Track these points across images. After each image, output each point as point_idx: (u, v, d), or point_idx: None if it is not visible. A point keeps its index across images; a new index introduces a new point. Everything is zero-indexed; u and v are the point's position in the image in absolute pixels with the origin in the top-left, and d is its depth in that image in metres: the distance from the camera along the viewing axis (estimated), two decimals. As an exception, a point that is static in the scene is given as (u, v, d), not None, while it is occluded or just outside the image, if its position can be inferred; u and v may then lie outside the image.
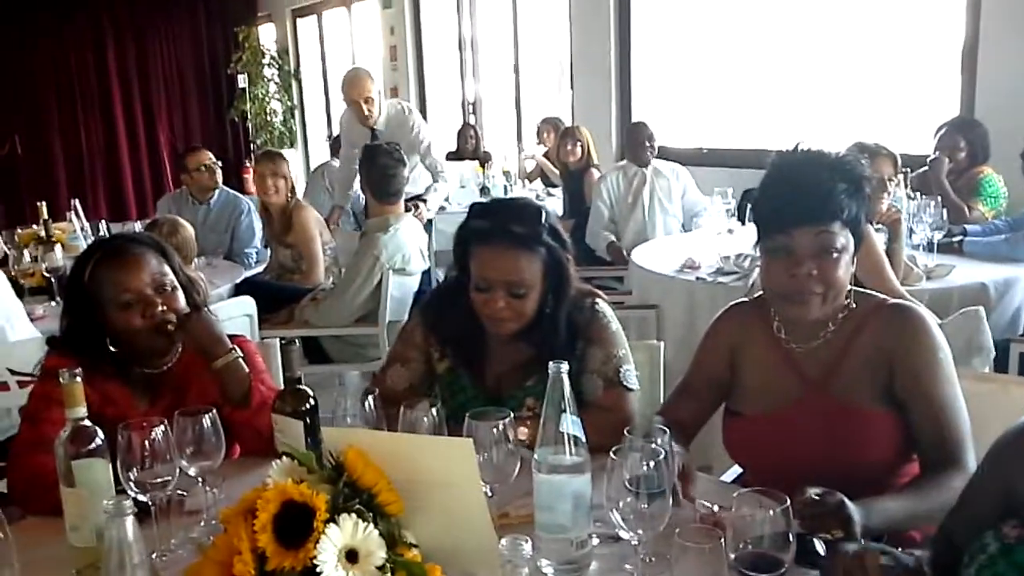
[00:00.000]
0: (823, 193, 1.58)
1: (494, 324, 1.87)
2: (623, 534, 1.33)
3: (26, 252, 4.29)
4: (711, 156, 6.06)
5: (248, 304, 3.26)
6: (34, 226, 4.71)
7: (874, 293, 1.74)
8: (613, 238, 5.03)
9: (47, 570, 1.42)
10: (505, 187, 6.15)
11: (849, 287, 1.69)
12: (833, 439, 1.61)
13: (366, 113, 5.00)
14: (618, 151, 6.42)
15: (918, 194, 3.68)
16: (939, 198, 3.65)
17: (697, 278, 3.47)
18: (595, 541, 1.42)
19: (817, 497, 1.34)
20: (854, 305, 1.69)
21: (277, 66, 10.61)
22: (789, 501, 1.22)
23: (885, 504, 1.46)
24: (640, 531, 1.32)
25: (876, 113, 5.29)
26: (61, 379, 1.45)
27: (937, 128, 4.19)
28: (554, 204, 6.03)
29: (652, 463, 1.30)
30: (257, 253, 4.86)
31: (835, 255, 1.60)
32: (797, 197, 1.60)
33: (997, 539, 1.20)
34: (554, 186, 6.29)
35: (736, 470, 1.97)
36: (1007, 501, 1.26)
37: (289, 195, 4.36)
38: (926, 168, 4.06)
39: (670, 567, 1.35)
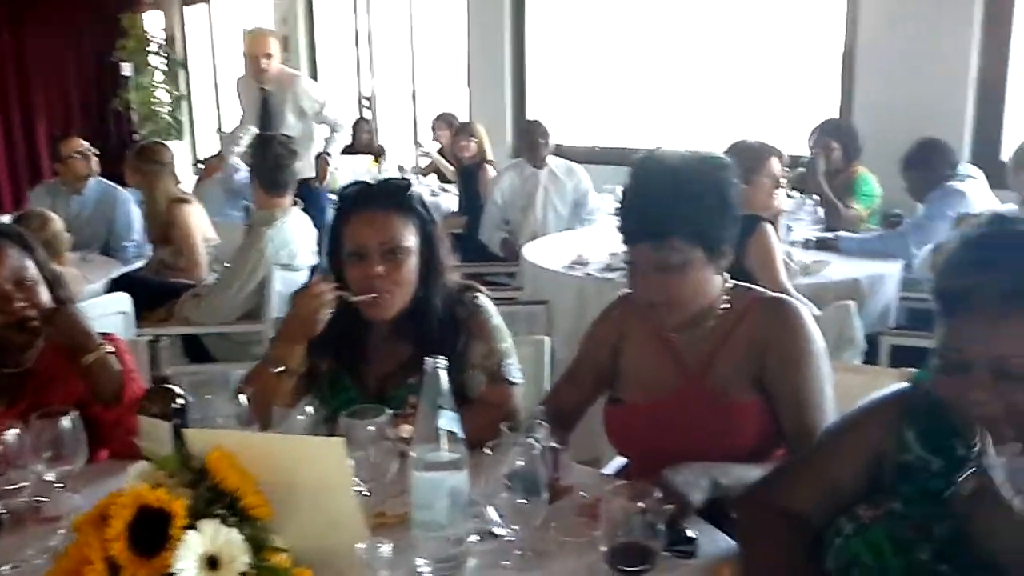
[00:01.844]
0: (662, 209, 1.60)
1: (373, 303, 1.82)
2: (499, 530, 1.32)
3: None
4: (605, 154, 6.14)
5: (123, 301, 3.12)
6: None
7: (754, 287, 1.78)
8: (506, 234, 5.05)
9: None
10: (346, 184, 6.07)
11: (729, 283, 1.73)
12: (708, 428, 1.65)
13: (262, 67, 5.19)
14: (513, 148, 6.45)
15: (797, 192, 3.82)
16: (817, 197, 3.80)
17: (587, 274, 3.51)
18: (473, 538, 1.41)
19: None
20: (730, 300, 1.72)
21: (164, 55, 10.22)
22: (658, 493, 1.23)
23: (743, 468, 1.52)
24: (516, 526, 1.32)
25: (760, 114, 5.47)
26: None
27: (811, 131, 4.37)
28: (449, 200, 6.00)
29: (528, 458, 1.30)
30: (136, 247, 4.66)
31: (675, 270, 1.62)
32: (638, 213, 1.64)
33: (852, 520, 1.25)
34: (449, 182, 6.27)
35: (621, 460, 2.00)
36: (874, 471, 1.30)
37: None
38: (803, 168, 4.22)
39: (547, 562, 1.37)
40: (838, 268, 3.43)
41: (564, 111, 6.54)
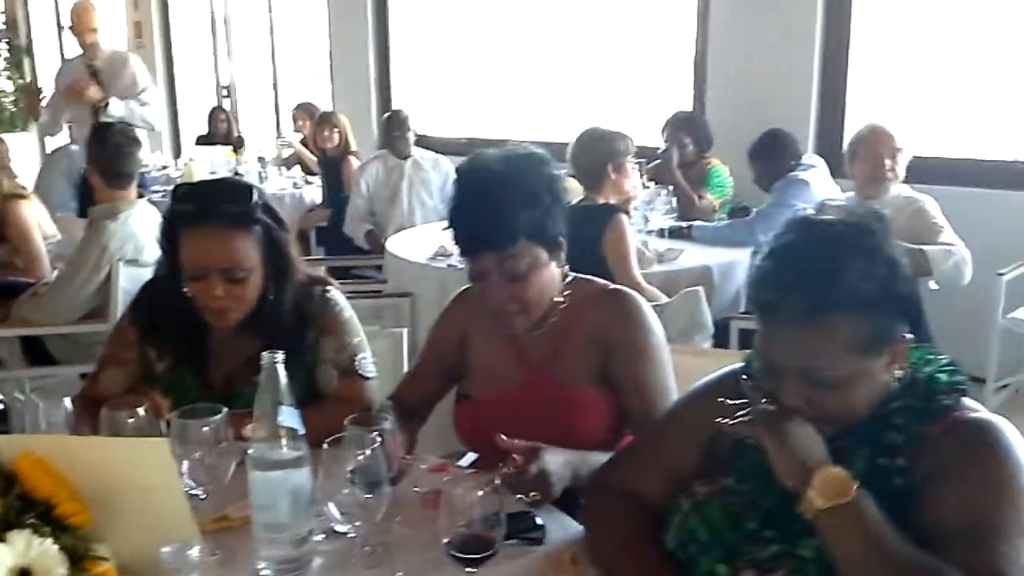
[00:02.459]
0: (492, 219, 1.56)
1: (214, 316, 1.76)
2: (339, 527, 1.29)
3: None
4: (471, 145, 6.13)
5: (-47, 301, 2.90)
6: None
7: (593, 280, 1.79)
8: (371, 227, 4.98)
9: None
10: (260, 174, 5.91)
11: (568, 276, 1.74)
12: (554, 420, 1.65)
13: (90, 42, 5.06)
14: (379, 139, 6.37)
15: (652, 183, 3.92)
16: (671, 187, 3.91)
17: (449, 265, 3.50)
18: (319, 536, 1.37)
19: (517, 464, 1.41)
20: (570, 293, 1.73)
21: (6, 40, 9.56)
22: (498, 480, 1.23)
23: (600, 457, 1.53)
24: (358, 522, 1.29)
25: (615, 106, 5.60)
26: None
27: (665, 124, 4.50)
28: (312, 192, 5.87)
29: (369, 452, 1.28)
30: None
31: (524, 275, 1.61)
32: (470, 226, 1.61)
33: (690, 498, 1.29)
34: (313, 174, 6.13)
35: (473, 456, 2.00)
36: (708, 449, 1.34)
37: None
38: (659, 160, 4.34)
39: (393, 557, 1.35)
40: (691, 256, 3.55)
41: (429, 101, 6.51)
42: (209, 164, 5.82)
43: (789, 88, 4.62)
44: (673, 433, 1.43)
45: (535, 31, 6.13)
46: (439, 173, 5.11)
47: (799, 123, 4.47)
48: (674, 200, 3.88)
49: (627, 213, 3.21)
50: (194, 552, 0.91)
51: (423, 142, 5.41)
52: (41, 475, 1.10)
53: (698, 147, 4.39)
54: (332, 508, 1.27)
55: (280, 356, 1.34)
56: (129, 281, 3.35)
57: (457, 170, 1.70)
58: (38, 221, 3.86)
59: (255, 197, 1.76)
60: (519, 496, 1.40)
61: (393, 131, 4.99)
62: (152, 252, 3.52)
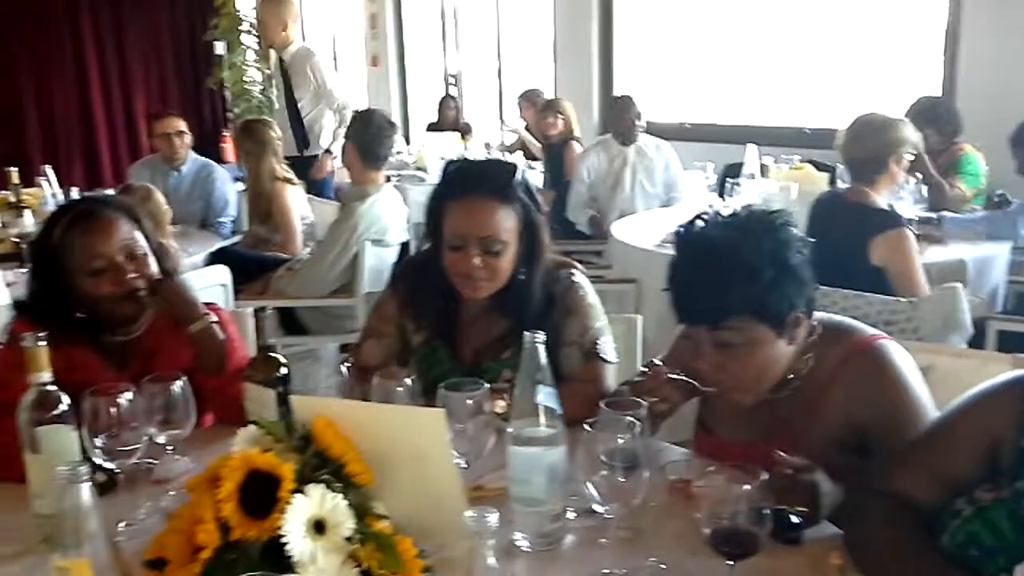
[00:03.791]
0: (712, 290, 1.46)
1: (468, 286, 1.83)
2: (598, 508, 1.31)
3: (-6, 218, 4.22)
4: (693, 131, 6.03)
5: (223, 273, 3.21)
6: (3, 192, 4.62)
7: (847, 332, 1.61)
8: (594, 212, 5.00)
9: (13, 538, 1.40)
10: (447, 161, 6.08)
11: (816, 323, 1.58)
12: None
13: (282, 34, 5.45)
14: (600, 124, 6.39)
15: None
16: (919, 175, 3.65)
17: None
18: (570, 514, 1.40)
19: (790, 471, 1.34)
20: (819, 353, 1.57)
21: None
22: (766, 476, 1.20)
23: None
24: (615, 504, 1.31)
25: (855, 91, 5.28)
26: (25, 343, 1.41)
27: (908, 109, 4.18)
28: (535, 178, 5.98)
29: (628, 436, 1.29)
30: (233, 223, 4.78)
31: (738, 349, 1.49)
32: (689, 294, 1.51)
33: (971, 504, 1.21)
34: (535, 159, 6.24)
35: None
36: (990, 456, 1.26)
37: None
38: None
39: (646, 541, 1.35)
40: (942, 249, 3.30)
41: (651, 86, 6.43)
42: (439, 150, 6.06)
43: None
44: (948, 441, 1.34)
45: (768, 9, 5.90)
46: (662, 158, 5.05)
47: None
48: (923, 189, 3.61)
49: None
50: (493, 519, 0.96)
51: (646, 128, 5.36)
52: (333, 436, 1.20)
53: (941, 136, 4.05)
54: (590, 488, 1.29)
55: (541, 336, 1.38)
56: (374, 259, 3.58)
57: (676, 232, 1.60)
58: (299, 203, 4.20)
59: (518, 177, 1.84)
60: (782, 507, 1.31)
61: (627, 119, 4.95)
62: (395, 234, 3.75)
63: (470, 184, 1.82)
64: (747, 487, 1.16)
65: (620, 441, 1.29)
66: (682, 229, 1.56)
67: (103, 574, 0.99)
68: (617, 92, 6.27)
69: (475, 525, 0.97)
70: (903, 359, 1.56)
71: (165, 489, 1.54)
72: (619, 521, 1.34)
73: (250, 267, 3.86)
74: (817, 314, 1.60)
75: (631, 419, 1.31)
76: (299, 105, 5.51)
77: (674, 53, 6.48)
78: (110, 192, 4.05)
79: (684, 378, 1.58)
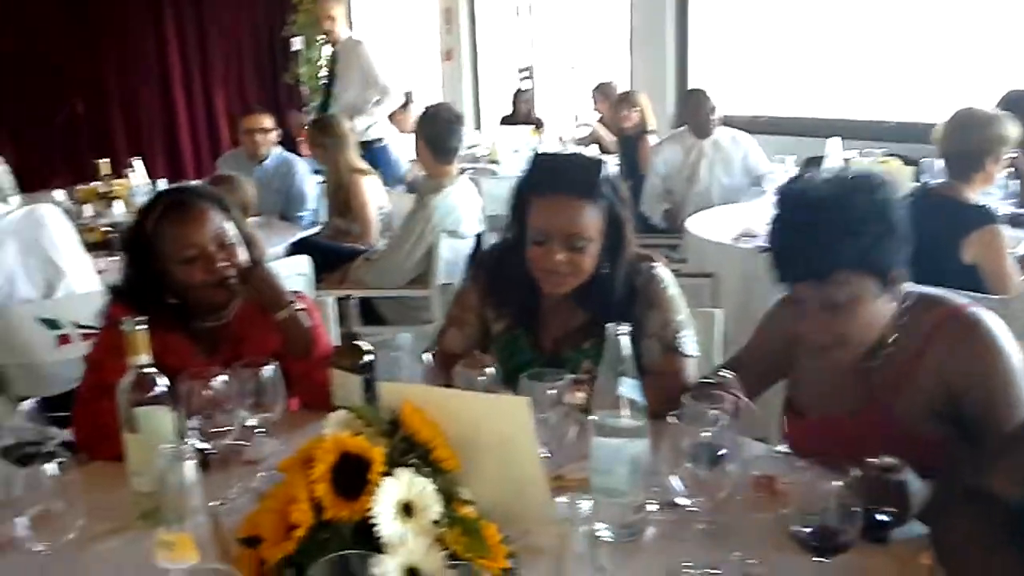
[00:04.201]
0: (820, 243, 1.47)
1: (550, 280, 1.84)
2: (681, 500, 1.30)
3: (86, 208, 4.38)
4: (770, 124, 5.92)
5: (304, 263, 3.28)
6: (94, 182, 4.81)
7: (939, 299, 1.60)
8: (669, 206, 4.96)
9: (112, 515, 1.45)
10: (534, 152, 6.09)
11: (909, 292, 1.58)
12: (896, 455, 1.52)
13: (327, 29, 5.81)
14: (675, 116, 6.31)
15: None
16: (1012, 170, 3.52)
17: (756, 246, 3.40)
18: (652, 507, 1.40)
19: (879, 472, 1.32)
20: (912, 319, 1.57)
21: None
22: (856, 473, 1.18)
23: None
24: (699, 498, 1.30)
25: (941, 83, 5.12)
26: (124, 327, 1.47)
27: (998, 101, 4.01)
28: (608, 171, 5.93)
29: (714, 430, 1.28)
30: (312, 214, 4.89)
31: (844, 306, 1.49)
32: (794, 251, 1.51)
33: None
34: (609, 153, 6.21)
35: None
36: None
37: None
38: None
39: (729, 534, 1.34)
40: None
41: (727, 78, 6.33)
42: (512, 143, 6.08)
43: None
44: None
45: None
46: (739, 150, 4.97)
47: None
48: (1010, 183, 3.49)
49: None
50: (585, 506, 0.97)
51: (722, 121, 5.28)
52: (421, 421, 1.22)
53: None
54: (675, 481, 1.28)
55: (625, 328, 1.38)
56: (449, 251, 3.62)
57: (777, 191, 1.61)
58: (375, 194, 4.27)
59: (605, 173, 1.83)
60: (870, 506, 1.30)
61: (702, 112, 4.89)
62: (470, 225, 3.78)
63: (557, 181, 1.82)
64: (837, 483, 1.14)
65: (705, 434, 1.28)
66: (784, 188, 1.58)
67: (204, 548, 1.03)
68: (692, 84, 6.18)
69: (567, 512, 0.98)
70: (998, 326, 1.55)
71: (255, 470, 1.59)
72: (702, 515, 1.33)
73: (329, 257, 3.94)
74: (908, 285, 1.60)
75: (717, 412, 1.30)
76: (343, 95, 5.84)
77: (751, 44, 6.37)
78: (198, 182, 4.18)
79: (746, 400, 1.57)
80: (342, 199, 4.32)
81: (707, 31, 6.51)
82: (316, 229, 4.59)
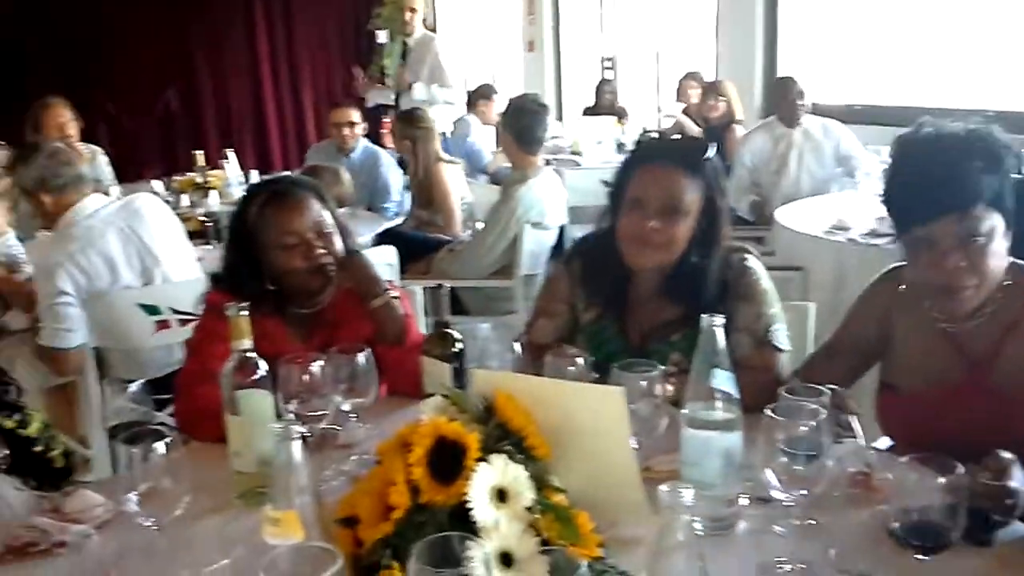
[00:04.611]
0: (959, 176, 1.48)
1: (639, 252, 1.82)
2: (777, 494, 1.28)
3: (183, 198, 4.54)
4: (863, 112, 5.75)
5: (390, 253, 3.33)
6: (190, 173, 4.97)
7: None
8: (756, 197, 4.87)
9: (211, 494, 1.49)
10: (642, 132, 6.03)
11: (1008, 260, 1.57)
12: (991, 424, 1.51)
13: (406, 20, 6.02)
14: (763, 106, 6.18)
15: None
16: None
17: (848, 240, 3.32)
18: (744, 501, 1.38)
19: (991, 475, 1.28)
20: (1013, 281, 1.57)
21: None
22: (961, 472, 1.14)
23: None
24: (794, 493, 1.28)
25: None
26: (228, 312, 1.52)
27: None
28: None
29: (811, 424, 1.26)
30: (397, 206, 4.96)
31: (983, 241, 1.50)
32: (931, 185, 1.50)
33: None
34: (693, 142, 6.13)
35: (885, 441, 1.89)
36: None
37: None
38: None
39: (824, 532, 1.32)
40: None
41: (817, 65, 6.16)
42: (594, 134, 6.06)
43: None
44: None
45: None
46: (831, 140, 4.84)
47: None
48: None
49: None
50: (688, 495, 0.96)
51: (810, 109, 5.15)
52: (514, 409, 1.23)
53: None
54: (769, 475, 1.27)
55: (720, 320, 1.36)
56: (533, 242, 3.63)
57: (900, 138, 1.60)
58: (458, 185, 4.32)
59: (709, 155, 1.84)
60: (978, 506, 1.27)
61: (788, 98, 4.79)
62: (554, 217, 3.78)
63: (661, 152, 1.86)
64: (940, 480, 1.11)
65: (802, 429, 1.26)
66: (909, 134, 1.59)
67: (309, 527, 1.06)
68: (781, 72, 6.05)
69: (669, 500, 0.98)
70: None
71: (348, 453, 1.63)
72: (796, 510, 1.31)
73: (413, 248, 4.00)
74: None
75: (814, 406, 1.28)
76: (412, 89, 6.06)
77: (845, 29, 6.17)
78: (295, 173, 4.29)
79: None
80: (426, 189, 4.38)
81: (798, 15, 6.34)
82: (400, 220, 4.66)
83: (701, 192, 1.81)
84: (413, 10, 6.00)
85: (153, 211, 3.06)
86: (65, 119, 4.54)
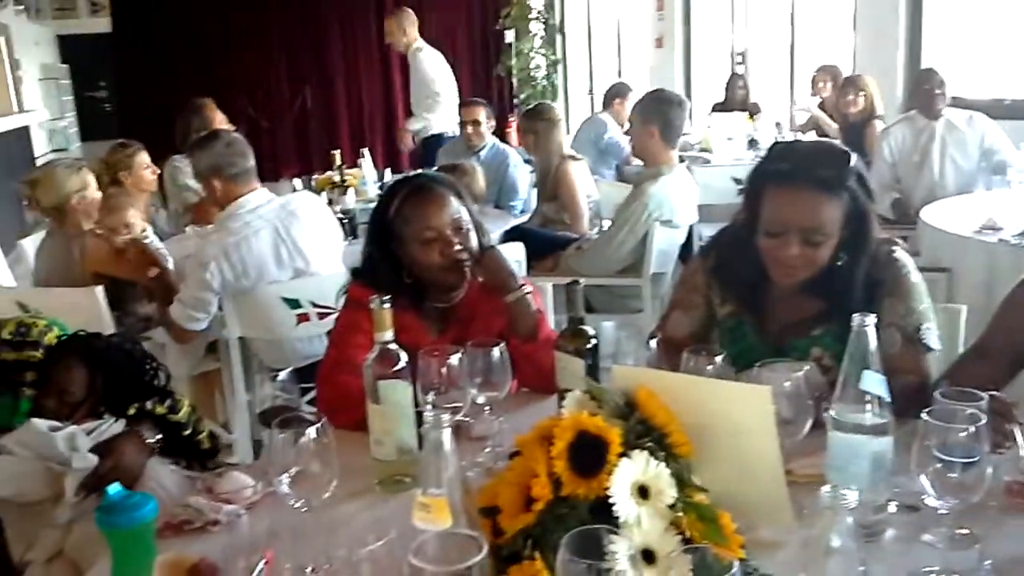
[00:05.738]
0: None
1: (781, 273, 1.77)
2: (931, 502, 1.23)
3: (322, 196, 4.71)
4: (1012, 108, 5.40)
5: (518, 250, 3.36)
6: (328, 172, 5.16)
7: None
8: (898, 194, 4.66)
9: (351, 480, 1.52)
10: (775, 140, 5.87)
11: None
12: None
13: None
14: (904, 101, 5.90)
15: None
16: None
17: (1000, 240, 3.13)
18: (892, 507, 1.33)
19: None
20: None
21: (543, 20, 10.75)
22: None
23: None
24: (948, 501, 1.22)
25: None
26: (372, 305, 1.57)
27: None
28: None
29: (968, 429, 1.19)
30: (523, 203, 5.00)
31: None
32: None
33: None
34: (829, 139, 5.92)
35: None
36: None
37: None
38: None
39: (976, 541, 1.25)
40: None
41: (964, 58, 5.83)
42: (725, 131, 5.93)
43: None
44: None
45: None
46: (976, 132, 4.57)
47: None
48: None
49: None
50: (852, 496, 0.93)
51: (954, 103, 4.88)
52: (656, 406, 1.22)
53: None
54: (923, 481, 1.21)
55: (871, 319, 1.32)
56: (663, 241, 3.59)
57: None
58: (584, 182, 4.31)
59: (850, 164, 1.73)
60: None
61: (928, 89, 4.55)
62: (684, 216, 3.73)
63: (798, 172, 1.72)
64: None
65: (960, 435, 1.20)
66: None
67: (456, 514, 1.08)
68: (925, 66, 5.76)
69: (831, 501, 0.95)
70: None
71: (482, 446, 1.65)
72: (948, 519, 1.25)
73: (539, 245, 4.01)
74: None
75: (972, 411, 1.21)
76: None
77: (992, 20, 5.83)
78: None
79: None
80: (551, 185, 4.39)
81: (943, 4, 6.02)
82: (526, 217, 4.69)
83: (844, 206, 1.71)
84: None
85: (309, 212, 3.18)
86: (220, 119, 4.81)
